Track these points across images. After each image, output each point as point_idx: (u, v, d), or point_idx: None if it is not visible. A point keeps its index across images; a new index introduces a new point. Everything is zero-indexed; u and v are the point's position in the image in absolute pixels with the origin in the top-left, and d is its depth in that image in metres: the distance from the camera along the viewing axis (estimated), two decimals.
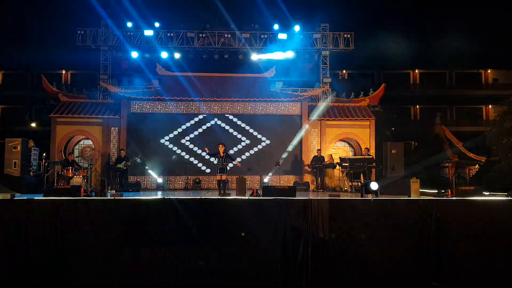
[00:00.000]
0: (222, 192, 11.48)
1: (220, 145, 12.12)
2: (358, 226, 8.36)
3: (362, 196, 9.54)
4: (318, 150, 15.47)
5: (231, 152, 16.10)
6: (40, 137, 20.20)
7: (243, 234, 8.22)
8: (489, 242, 8.45)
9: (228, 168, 12.40)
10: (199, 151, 16.09)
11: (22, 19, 26.18)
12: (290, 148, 16.31)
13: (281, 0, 18.41)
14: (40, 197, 8.46)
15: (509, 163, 18.44)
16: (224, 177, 11.94)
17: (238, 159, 16.12)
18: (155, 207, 8.18)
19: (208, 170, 16.03)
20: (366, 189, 9.59)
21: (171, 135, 16.23)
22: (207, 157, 14.62)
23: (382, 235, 8.36)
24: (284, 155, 16.08)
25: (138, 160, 14.38)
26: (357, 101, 17.63)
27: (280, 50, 17.57)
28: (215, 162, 12.28)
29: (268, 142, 16.49)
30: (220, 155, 11.98)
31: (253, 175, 15.95)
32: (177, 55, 17.61)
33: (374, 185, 9.59)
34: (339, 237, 8.27)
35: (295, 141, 16.43)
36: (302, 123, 16.51)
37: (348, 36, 17.78)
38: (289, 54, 17.61)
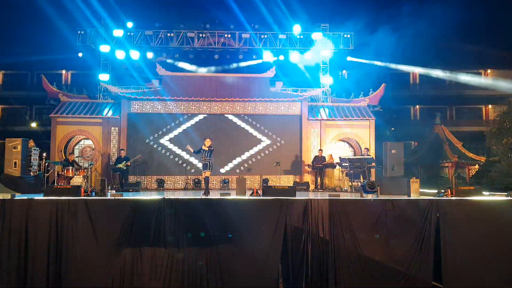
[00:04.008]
0: (206, 191, 10.83)
1: (208, 139, 11.11)
2: (358, 226, 8.37)
3: (362, 196, 9.55)
4: (319, 150, 15.48)
5: (231, 151, 16.14)
6: (40, 137, 20.24)
7: (243, 234, 8.23)
8: (489, 242, 8.46)
9: (211, 164, 11.12)
10: None
11: (23, 19, 26.17)
12: (289, 148, 16.38)
13: (281, 0, 18.43)
14: (40, 197, 8.46)
15: (508, 163, 18.47)
16: (208, 173, 11.01)
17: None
18: (155, 207, 8.18)
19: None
20: (366, 189, 9.60)
21: (171, 135, 16.24)
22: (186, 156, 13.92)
23: (382, 235, 8.38)
24: (284, 155, 16.16)
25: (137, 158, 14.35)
26: (357, 101, 17.66)
27: (280, 50, 17.64)
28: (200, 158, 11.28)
29: (268, 142, 16.51)
30: (204, 149, 10.98)
31: (253, 175, 15.97)
32: (177, 55, 17.63)
33: (372, 185, 9.61)
34: (339, 236, 8.28)
35: (295, 141, 16.49)
36: (302, 123, 16.52)
37: (348, 36, 17.80)
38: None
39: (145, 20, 17.79)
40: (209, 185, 15.70)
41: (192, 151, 11.29)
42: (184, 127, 16.30)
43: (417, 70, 30.51)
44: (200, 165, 15.96)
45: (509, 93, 22.39)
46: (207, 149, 11.02)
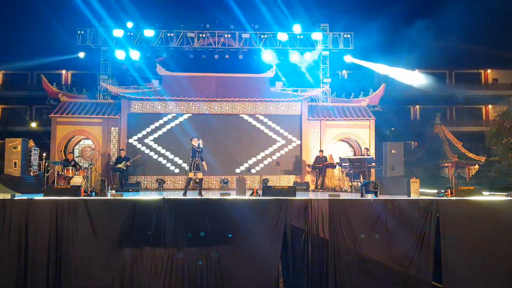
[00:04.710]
0: (199, 192, 10.77)
1: (194, 139, 10.78)
2: (358, 226, 8.37)
3: (362, 196, 9.55)
4: (320, 150, 15.46)
5: (232, 151, 16.13)
6: (40, 137, 20.25)
7: (243, 234, 8.23)
8: (489, 242, 8.47)
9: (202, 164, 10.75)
10: None
11: (23, 19, 26.19)
12: (289, 148, 16.41)
13: (281, 0, 18.45)
14: (40, 197, 8.46)
15: (508, 163, 18.49)
16: (200, 176, 10.84)
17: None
18: (155, 207, 8.18)
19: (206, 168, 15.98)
20: (366, 189, 9.58)
21: (172, 135, 16.22)
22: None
23: (382, 235, 8.38)
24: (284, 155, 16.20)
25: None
26: (357, 101, 17.65)
27: (280, 50, 17.65)
28: (191, 158, 10.70)
29: (268, 142, 16.49)
30: (197, 149, 10.64)
31: (253, 175, 15.97)
32: (177, 55, 17.64)
33: (374, 185, 9.59)
34: (339, 236, 8.28)
35: (295, 141, 16.50)
36: (302, 123, 16.52)
37: (348, 36, 17.79)
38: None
39: (145, 20, 17.79)
40: (209, 185, 15.93)
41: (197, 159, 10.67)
42: (184, 127, 16.27)
43: (418, 70, 30.63)
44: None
45: (509, 93, 22.41)
46: (199, 149, 10.78)
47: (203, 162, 10.86)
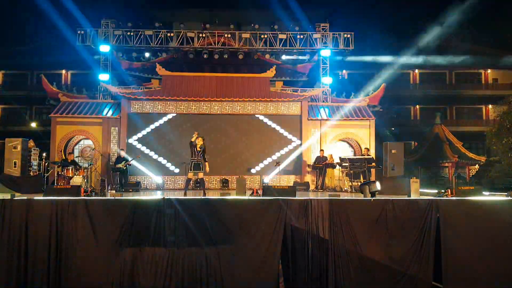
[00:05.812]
0: (203, 192, 10.68)
1: (198, 136, 10.53)
2: (358, 226, 8.37)
3: (365, 196, 9.54)
4: (321, 150, 15.46)
5: (232, 151, 16.12)
6: (40, 137, 20.21)
7: (243, 234, 8.22)
8: (489, 242, 8.46)
9: (204, 165, 10.58)
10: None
11: (23, 19, 26.18)
12: (289, 148, 16.41)
13: (281, 0, 18.45)
14: (40, 197, 8.46)
15: (508, 163, 18.50)
16: (201, 175, 10.70)
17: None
18: (155, 207, 8.18)
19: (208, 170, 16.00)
20: (372, 188, 9.56)
21: (171, 135, 16.23)
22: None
23: (382, 235, 8.38)
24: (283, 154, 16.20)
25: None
26: (357, 101, 17.64)
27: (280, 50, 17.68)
28: (191, 156, 10.55)
29: (268, 142, 16.49)
30: (196, 149, 10.43)
31: (253, 175, 15.97)
32: (177, 55, 17.66)
33: (377, 185, 9.57)
34: (339, 236, 8.28)
35: (295, 141, 16.50)
36: (302, 123, 16.52)
37: (348, 36, 17.79)
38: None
39: (145, 20, 17.80)
40: (209, 185, 15.90)
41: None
42: (183, 126, 16.27)
43: (418, 70, 30.64)
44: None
45: (509, 93, 22.41)
46: (199, 149, 10.66)
47: (205, 163, 10.68)
